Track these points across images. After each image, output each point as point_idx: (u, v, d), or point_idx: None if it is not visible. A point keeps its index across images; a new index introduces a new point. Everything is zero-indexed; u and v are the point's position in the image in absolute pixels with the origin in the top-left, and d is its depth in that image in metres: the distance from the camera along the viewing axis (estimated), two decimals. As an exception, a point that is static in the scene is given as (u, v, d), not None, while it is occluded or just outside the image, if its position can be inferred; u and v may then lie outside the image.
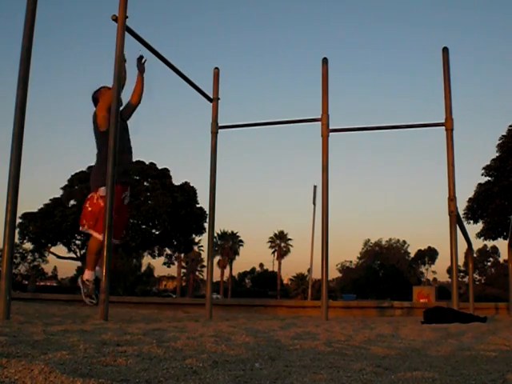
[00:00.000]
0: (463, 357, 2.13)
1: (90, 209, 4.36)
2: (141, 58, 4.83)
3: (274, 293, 58.37)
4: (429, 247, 64.45)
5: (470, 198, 23.94)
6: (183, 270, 60.56)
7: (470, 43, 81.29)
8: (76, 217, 27.38)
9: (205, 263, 49.22)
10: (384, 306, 9.75)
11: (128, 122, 4.80)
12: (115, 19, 4.24)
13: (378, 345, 2.55)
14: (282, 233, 64.01)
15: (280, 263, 64.32)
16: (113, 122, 4.09)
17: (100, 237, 4.14)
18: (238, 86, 72.90)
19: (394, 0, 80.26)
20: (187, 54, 72.03)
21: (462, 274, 43.63)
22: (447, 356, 2.16)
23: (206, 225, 25.56)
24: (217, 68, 6.16)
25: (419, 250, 63.79)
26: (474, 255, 10.35)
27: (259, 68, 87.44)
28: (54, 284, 60.85)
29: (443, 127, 5.65)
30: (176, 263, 48.58)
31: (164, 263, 35.10)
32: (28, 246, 34.83)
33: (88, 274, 4.35)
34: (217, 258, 57.71)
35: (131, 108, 4.78)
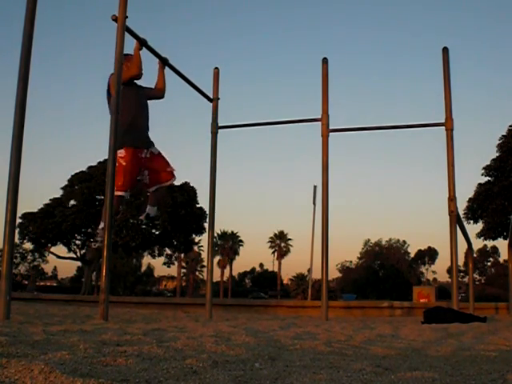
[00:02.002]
0: (463, 357, 2.13)
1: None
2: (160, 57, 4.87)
3: (274, 292, 58.32)
4: (429, 247, 64.47)
5: (470, 198, 23.93)
6: (183, 270, 60.54)
7: (470, 43, 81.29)
8: (76, 217, 27.44)
9: (205, 263, 49.21)
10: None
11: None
12: (115, 19, 4.24)
13: (377, 345, 2.55)
14: (282, 233, 63.99)
15: (280, 263, 64.36)
16: (112, 128, 4.09)
17: (117, 193, 4.30)
18: (238, 85, 72.83)
19: (393, 0, 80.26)
20: (187, 54, 71.97)
21: (462, 273, 43.61)
22: (447, 356, 2.16)
23: (206, 225, 25.55)
24: (217, 68, 6.16)
25: (419, 250, 63.79)
26: (474, 255, 10.35)
27: (259, 68, 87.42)
28: (54, 284, 60.85)
29: (443, 127, 5.65)
30: (176, 263, 48.57)
31: (164, 263, 35.13)
32: (28, 245, 34.83)
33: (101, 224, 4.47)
34: (217, 258, 57.71)
35: (154, 97, 4.83)
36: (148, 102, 4.87)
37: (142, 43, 4.64)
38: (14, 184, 3.44)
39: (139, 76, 4.63)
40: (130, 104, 4.50)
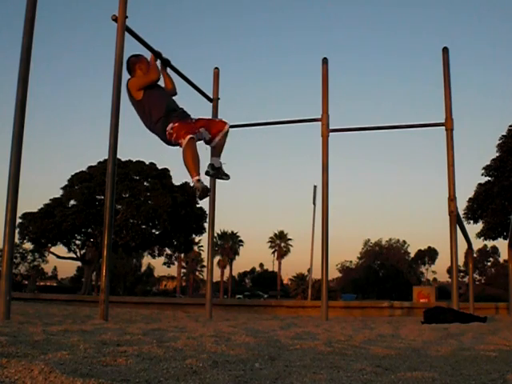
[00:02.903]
0: (463, 357, 2.13)
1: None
2: (160, 55, 4.89)
3: (274, 292, 58.29)
4: (429, 247, 64.42)
5: (470, 198, 23.90)
6: (183, 270, 60.52)
7: (470, 43, 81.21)
8: (76, 217, 27.43)
9: (205, 263, 49.21)
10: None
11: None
12: (115, 19, 4.25)
13: (377, 345, 2.55)
14: (282, 233, 63.96)
15: (280, 263, 64.32)
16: (112, 128, 4.09)
17: (188, 136, 4.25)
18: (238, 86, 72.86)
19: (393, 0, 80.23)
20: (187, 54, 71.98)
21: (462, 273, 43.59)
22: (447, 356, 2.16)
23: (206, 225, 25.54)
24: (217, 68, 6.17)
25: (419, 250, 63.75)
26: (474, 255, 10.36)
27: (259, 68, 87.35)
28: (54, 284, 60.84)
29: (443, 127, 5.66)
30: (176, 263, 48.54)
31: (164, 263, 35.10)
32: (28, 245, 34.80)
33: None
34: (217, 258, 57.68)
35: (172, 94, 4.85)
36: None
37: (157, 55, 4.72)
38: (14, 184, 3.44)
39: (158, 80, 4.68)
40: (160, 99, 4.53)
